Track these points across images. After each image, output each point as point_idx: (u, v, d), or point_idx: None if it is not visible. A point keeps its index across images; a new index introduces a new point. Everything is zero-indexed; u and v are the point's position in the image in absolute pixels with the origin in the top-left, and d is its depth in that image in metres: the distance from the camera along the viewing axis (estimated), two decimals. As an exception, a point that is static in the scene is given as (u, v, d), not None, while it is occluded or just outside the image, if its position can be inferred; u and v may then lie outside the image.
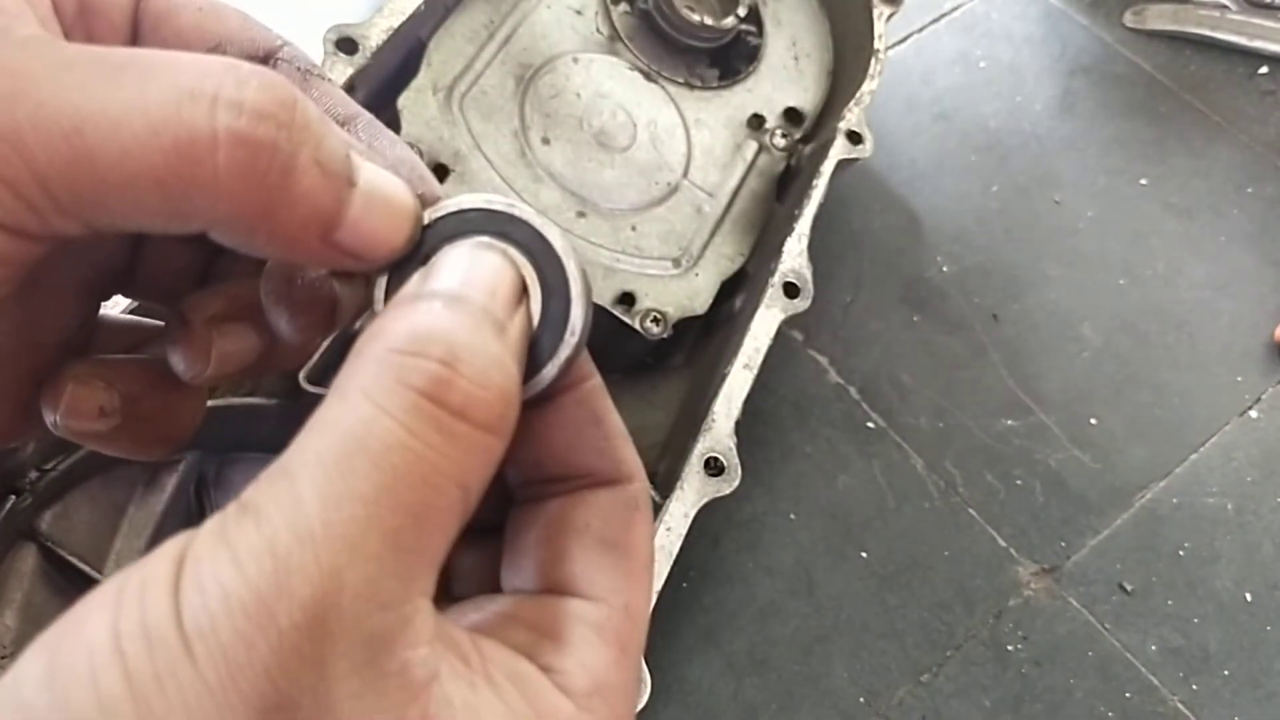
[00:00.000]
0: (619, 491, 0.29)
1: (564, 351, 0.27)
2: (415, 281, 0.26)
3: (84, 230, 0.23)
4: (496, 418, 0.23)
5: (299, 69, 0.30)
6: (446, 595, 0.29)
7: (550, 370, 0.27)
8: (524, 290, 0.26)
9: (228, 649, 0.19)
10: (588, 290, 0.27)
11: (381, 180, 0.26)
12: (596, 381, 0.29)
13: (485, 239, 0.27)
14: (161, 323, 0.33)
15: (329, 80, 0.31)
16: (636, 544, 0.28)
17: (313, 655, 0.20)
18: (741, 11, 0.89)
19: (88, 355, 0.31)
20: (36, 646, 0.20)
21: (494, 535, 0.29)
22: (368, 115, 0.31)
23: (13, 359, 0.28)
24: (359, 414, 0.22)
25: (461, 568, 0.30)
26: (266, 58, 0.30)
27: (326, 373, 0.25)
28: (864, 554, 0.84)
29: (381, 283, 0.27)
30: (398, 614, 0.21)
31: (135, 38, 0.29)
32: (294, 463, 0.21)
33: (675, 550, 0.64)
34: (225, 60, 0.24)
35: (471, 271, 0.25)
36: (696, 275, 0.82)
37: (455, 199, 0.27)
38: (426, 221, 0.27)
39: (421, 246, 0.27)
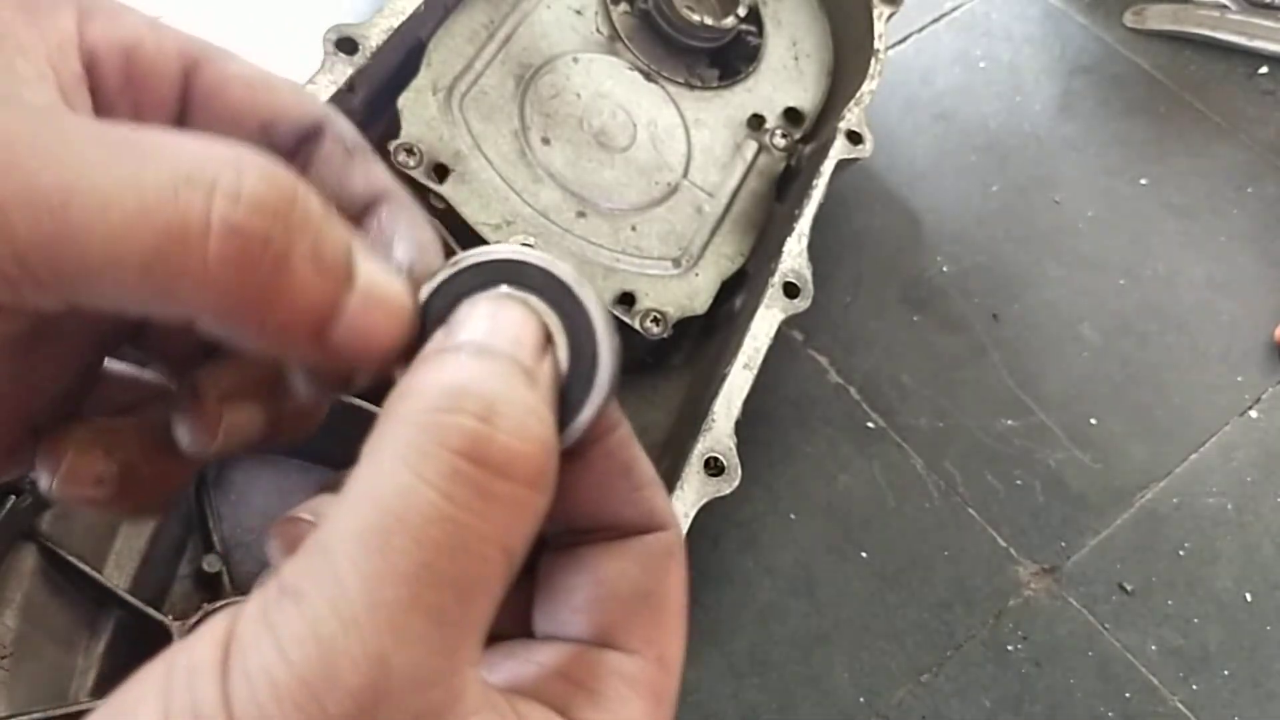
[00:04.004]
0: (653, 540, 0.28)
1: (595, 400, 0.26)
2: (439, 337, 0.25)
3: (63, 307, 0.23)
4: (537, 471, 0.23)
5: (344, 146, 0.30)
6: None
7: (583, 420, 0.26)
8: (549, 339, 0.26)
9: None
10: (614, 336, 0.26)
11: (381, 280, 0.25)
12: (625, 429, 0.28)
13: (505, 289, 0.26)
14: (161, 379, 0.33)
15: (373, 157, 0.31)
16: (671, 593, 0.28)
17: None
18: (741, 11, 0.89)
19: (88, 408, 0.30)
20: None
21: (524, 572, 0.29)
22: (402, 194, 0.31)
23: (9, 405, 0.28)
24: (396, 483, 0.21)
25: None
26: (315, 132, 0.30)
27: None
28: (864, 554, 0.84)
29: None
30: (445, 689, 0.21)
31: (184, 112, 0.29)
32: (332, 539, 0.21)
33: (675, 550, 0.64)
34: (229, 147, 0.23)
35: (494, 322, 0.25)
36: (696, 275, 0.82)
37: (471, 252, 0.27)
38: (444, 278, 0.27)
39: (440, 303, 0.26)
